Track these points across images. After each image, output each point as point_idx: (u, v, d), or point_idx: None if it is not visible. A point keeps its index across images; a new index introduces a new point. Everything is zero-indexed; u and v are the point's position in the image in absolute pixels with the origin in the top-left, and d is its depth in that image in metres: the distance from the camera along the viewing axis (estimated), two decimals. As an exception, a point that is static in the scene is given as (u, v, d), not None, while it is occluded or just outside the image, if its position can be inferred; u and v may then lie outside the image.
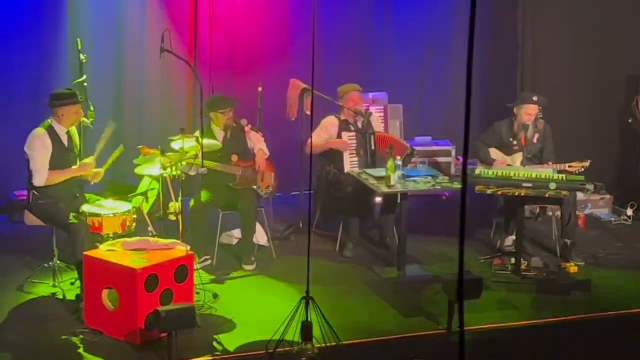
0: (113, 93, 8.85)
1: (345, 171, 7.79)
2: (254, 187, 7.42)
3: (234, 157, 7.37)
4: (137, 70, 8.87)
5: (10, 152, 7.98)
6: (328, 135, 7.87)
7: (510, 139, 7.84)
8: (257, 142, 7.55)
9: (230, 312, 6.31)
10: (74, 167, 6.77)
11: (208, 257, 7.26)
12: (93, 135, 8.16)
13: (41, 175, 6.51)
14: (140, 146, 6.93)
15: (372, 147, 7.83)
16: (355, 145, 7.86)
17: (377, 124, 8.13)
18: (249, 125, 7.62)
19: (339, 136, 7.86)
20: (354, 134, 7.87)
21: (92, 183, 6.94)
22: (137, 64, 8.85)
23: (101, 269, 5.84)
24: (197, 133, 6.86)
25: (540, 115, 7.90)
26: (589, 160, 7.77)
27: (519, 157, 7.78)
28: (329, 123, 7.90)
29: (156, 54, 6.75)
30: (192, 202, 7.26)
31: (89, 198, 6.83)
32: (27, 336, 5.88)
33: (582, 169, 7.74)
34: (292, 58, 9.14)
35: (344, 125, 7.88)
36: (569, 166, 7.75)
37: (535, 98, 7.76)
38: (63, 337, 5.83)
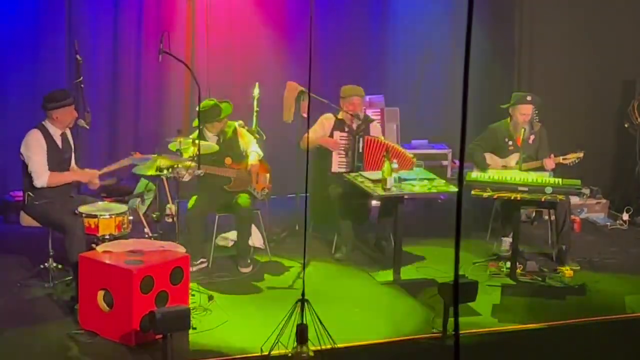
0: (110, 94, 8.84)
1: (332, 170, 7.81)
2: (249, 189, 7.42)
3: (228, 160, 7.37)
4: (134, 71, 8.87)
5: (5, 153, 7.98)
6: (323, 131, 7.91)
7: (506, 140, 7.85)
8: (249, 144, 7.55)
9: (226, 315, 6.31)
10: (80, 171, 6.78)
11: (205, 259, 7.25)
12: (89, 137, 8.18)
13: (43, 177, 6.49)
14: (132, 152, 6.93)
15: (360, 150, 7.83)
16: (345, 146, 7.88)
17: (377, 133, 8.10)
18: (245, 127, 7.63)
19: (331, 135, 7.88)
20: (346, 134, 7.88)
21: (89, 187, 6.96)
22: (134, 65, 8.85)
23: (97, 271, 5.83)
24: (193, 136, 6.86)
25: (537, 118, 7.92)
26: (582, 152, 7.80)
27: (514, 158, 7.79)
28: (326, 119, 7.94)
29: (153, 55, 6.76)
30: (189, 204, 7.26)
31: (85, 199, 6.81)
32: (22, 337, 5.86)
33: (577, 160, 7.78)
34: (289, 60, 9.15)
35: (338, 125, 7.90)
36: (564, 158, 7.79)
37: (529, 98, 7.77)
38: (58, 338, 5.81)
